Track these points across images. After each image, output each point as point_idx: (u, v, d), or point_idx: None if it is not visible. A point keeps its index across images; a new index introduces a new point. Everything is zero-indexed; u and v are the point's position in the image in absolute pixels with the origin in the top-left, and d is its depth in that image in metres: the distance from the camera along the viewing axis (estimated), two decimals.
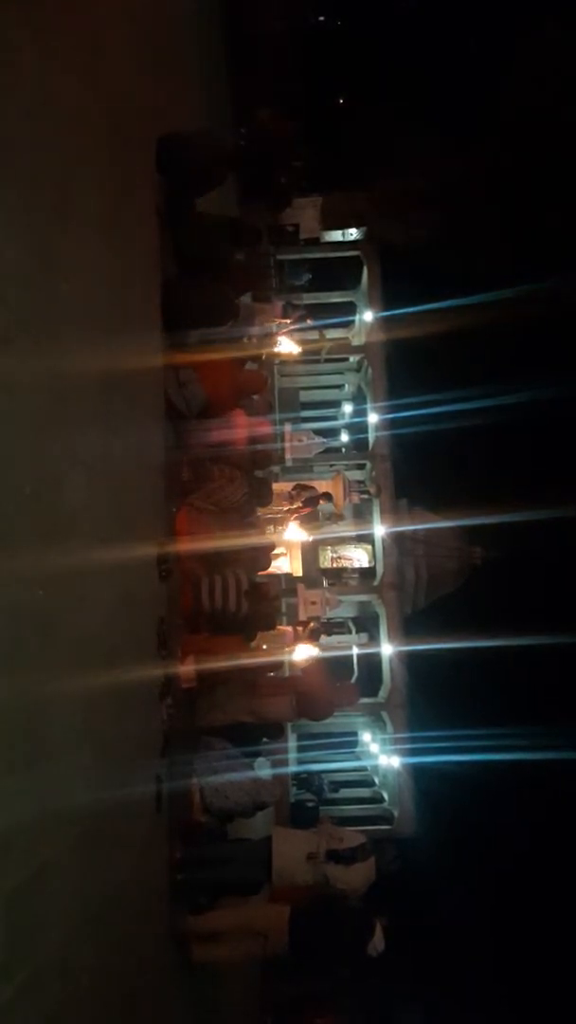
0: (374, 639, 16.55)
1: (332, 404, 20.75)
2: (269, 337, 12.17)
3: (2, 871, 2.09)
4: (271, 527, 12.32)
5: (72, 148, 2.90)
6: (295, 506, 13.32)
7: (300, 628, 12.34)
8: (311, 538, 14.06)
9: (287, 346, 13.13)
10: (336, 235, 19.11)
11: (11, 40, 2.31)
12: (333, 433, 19.25)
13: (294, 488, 14.03)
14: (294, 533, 13.20)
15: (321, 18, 21.26)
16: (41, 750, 2.37)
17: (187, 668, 4.90)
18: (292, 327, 13.47)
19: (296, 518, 13.08)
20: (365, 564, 17.34)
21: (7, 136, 2.27)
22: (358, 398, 19.03)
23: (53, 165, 2.68)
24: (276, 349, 13.23)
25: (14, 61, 2.33)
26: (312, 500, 13.91)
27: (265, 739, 5.73)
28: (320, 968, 4.78)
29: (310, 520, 14.09)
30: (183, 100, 6.28)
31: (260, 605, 5.62)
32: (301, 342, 16.61)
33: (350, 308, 18.11)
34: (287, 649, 10.13)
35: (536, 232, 16.57)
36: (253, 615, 5.59)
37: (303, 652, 9.34)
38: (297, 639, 11.09)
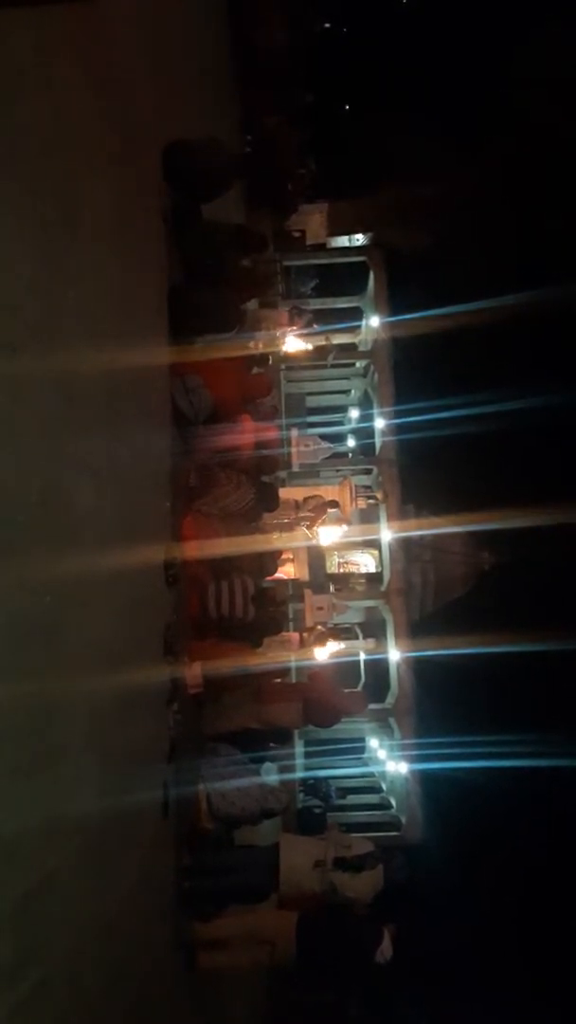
0: (381, 645, 16.50)
1: (338, 409, 20.76)
2: (276, 341, 12.19)
3: (10, 877, 2.09)
4: (278, 533, 12.32)
5: (79, 156, 2.91)
6: (306, 514, 13.37)
7: (307, 634, 12.35)
8: (343, 530, 14.16)
9: (295, 344, 13.06)
10: (342, 241, 19.15)
11: (18, 48, 2.33)
12: (340, 438, 19.25)
13: (304, 500, 14.07)
14: (329, 535, 13.31)
15: (327, 26, 21.36)
16: (48, 756, 2.37)
17: (194, 674, 4.90)
18: (298, 332, 13.47)
19: (316, 526, 13.17)
20: (372, 569, 17.30)
21: (15, 143, 2.28)
22: (364, 403, 19.02)
23: (60, 172, 2.69)
24: (285, 348, 13.23)
25: (21, 69, 2.34)
26: (322, 507, 13.95)
27: (272, 745, 5.71)
28: (328, 975, 4.75)
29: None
30: (189, 108, 6.31)
31: (268, 610, 5.61)
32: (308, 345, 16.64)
33: (356, 313, 18.12)
34: (305, 651, 10.13)
35: (542, 237, 16.57)
36: (261, 620, 5.57)
37: (322, 654, 9.28)
38: (304, 645, 11.08)
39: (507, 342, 17.40)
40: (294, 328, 12.55)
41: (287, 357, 14.65)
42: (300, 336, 13.25)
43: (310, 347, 13.62)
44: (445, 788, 15.10)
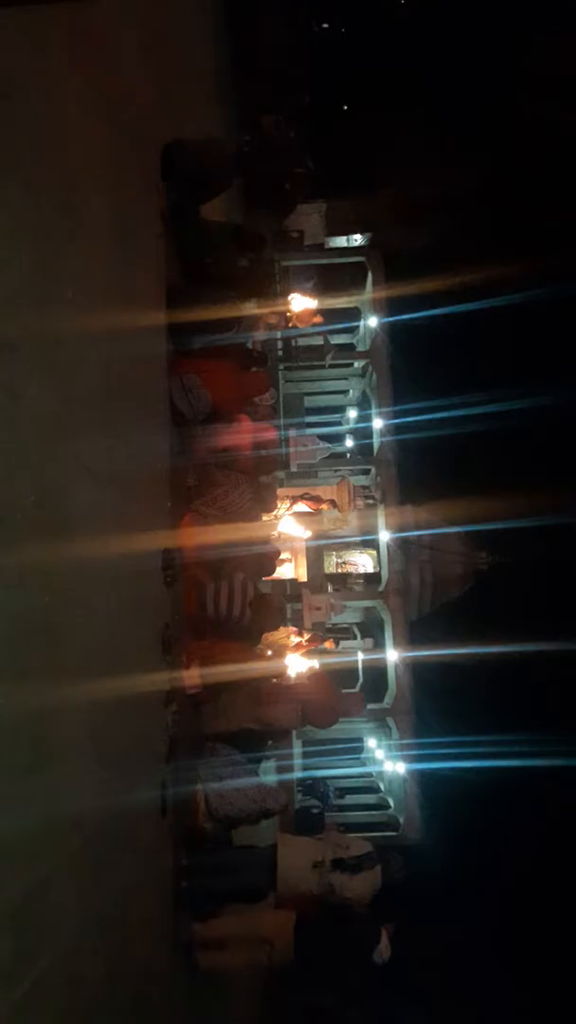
0: (379, 645, 16.51)
1: (337, 409, 20.76)
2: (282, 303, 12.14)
3: (9, 878, 2.09)
4: (275, 532, 12.30)
5: (78, 156, 2.91)
6: (298, 508, 13.37)
7: (305, 632, 12.33)
8: (310, 536, 14.03)
9: (301, 303, 12.92)
10: (340, 241, 19.15)
11: (17, 47, 2.32)
12: (338, 438, 19.25)
13: (303, 495, 14.05)
14: (290, 527, 13.12)
15: (325, 26, 21.38)
16: (47, 756, 2.37)
17: (192, 674, 4.89)
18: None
19: (291, 511, 13.08)
20: (370, 569, 17.29)
21: (14, 143, 2.28)
22: (363, 403, 19.03)
23: (59, 172, 2.69)
24: (292, 307, 13.13)
25: (19, 68, 2.34)
26: (313, 498, 13.94)
27: (270, 742, 5.71)
28: (326, 975, 4.74)
29: (314, 524, 14.10)
30: (188, 108, 6.31)
31: (262, 615, 5.61)
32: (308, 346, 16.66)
33: (355, 313, 18.12)
34: (286, 644, 9.97)
35: (540, 237, 16.58)
36: (255, 625, 5.59)
37: (297, 664, 9.02)
38: (300, 642, 11.02)
39: (506, 341, 17.41)
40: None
41: (296, 317, 14.49)
42: (306, 294, 13.12)
43: (315, 304, 13.43)
44: (443, 788, 15.11)
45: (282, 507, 13.05)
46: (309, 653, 10.23)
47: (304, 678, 6.84)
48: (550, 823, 15.83)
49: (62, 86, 2.75)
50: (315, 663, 10.04)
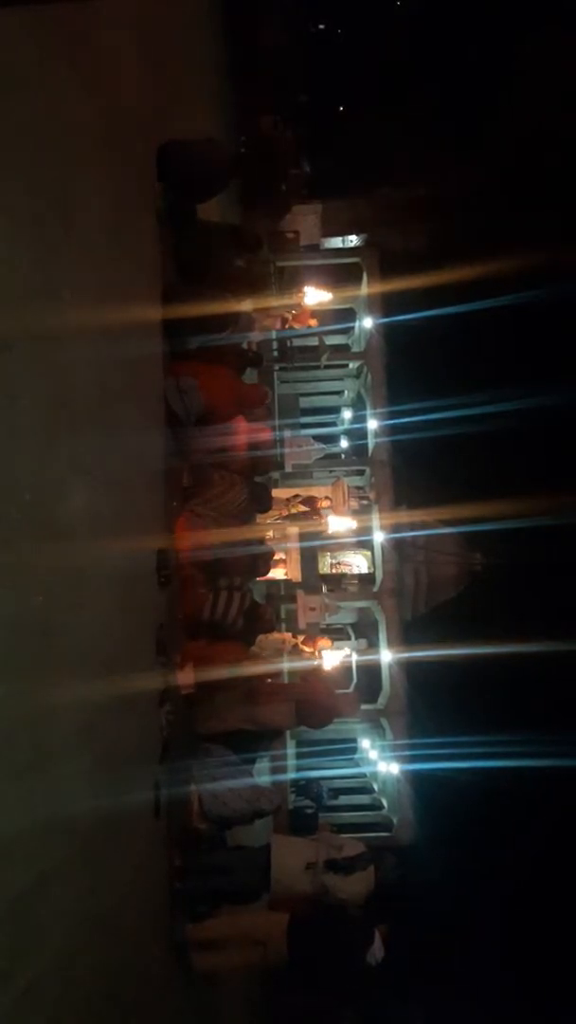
0: (373, 645, 16.51)
1: (332, 410, 20.75)
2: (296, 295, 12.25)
3: (3, 878, 2.09)
4: (271, 532, 12.36)
5: (74, 156, 2.91)
6: (298, 509, 13.47)
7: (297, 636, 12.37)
8: (353, 524, 14.21)
9: (315, 296, 13.02)
10: (336, 242, 19.17)
11: (13, 48, 2.32)
12: (333, 439, 19.26)
13: (290, 499, 14.14)
14: (340, 523, 13.37)
15: (321, 27, 21.41)
16: (41, 757, 2.37)
17: (186, 674, 4.89)
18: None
19: (317, 517, 13.27)
20: (364, 570, 17.29)
21: (10, 144, 2.28)
22: (358, 404, 19.03)
23: (56, 173, 2.69)
24: (305, 300, 13.27)
25: (17, 69, 2.34)
26: (310, 501, 14.03)
27: (264, 741, 5.71)
28: (319, 976, 4.75)
29: (313, 524, 14.17)
30: (185, 108, 6.31)
31: (254, 625, 5.62)
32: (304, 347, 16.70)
33: (350, 314, 18.13)
34: (315, 654, 10.06)
35: (535, 239, 16.62)
36: (246, 632, 5.60)
37: (332, 658, 9.18)
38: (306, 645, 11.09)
39: (502, 342, 17.45)
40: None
41: (294, 318, 14.56)
42: (317, 286, 13.24)
43: (330, 296, 13.50)
44: (437, 789, 15.12)
45: (293, 509, 13.20)
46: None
47: (299, 677, 6.86)
48: (544, 824, 15.87)
49: (62, 86, 2.74)
50: (349, 652, 10.19)
